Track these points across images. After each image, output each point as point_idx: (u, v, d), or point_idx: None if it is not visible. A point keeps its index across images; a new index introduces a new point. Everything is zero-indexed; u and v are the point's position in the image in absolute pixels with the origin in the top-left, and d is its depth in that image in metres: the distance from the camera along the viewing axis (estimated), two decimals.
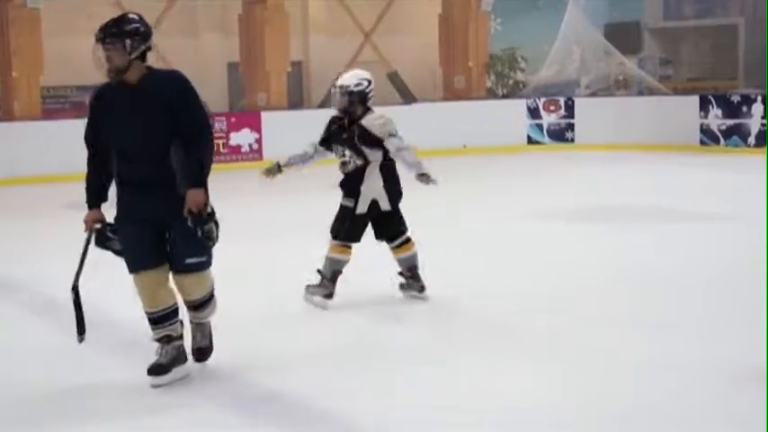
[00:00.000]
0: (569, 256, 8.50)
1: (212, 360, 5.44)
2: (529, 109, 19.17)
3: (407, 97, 20.78)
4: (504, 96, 20.73)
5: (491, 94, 20.88)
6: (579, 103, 19.09)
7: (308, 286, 6.85)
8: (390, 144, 6.67)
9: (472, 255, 8.64)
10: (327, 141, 6.85)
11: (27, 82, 16.66)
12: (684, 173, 14.83)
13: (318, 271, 6.81)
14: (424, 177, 6.69)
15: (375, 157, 6.71)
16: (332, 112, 6.91)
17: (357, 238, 6.79)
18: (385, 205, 6.74)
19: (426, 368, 5.39)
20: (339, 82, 6.68)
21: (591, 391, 4.94)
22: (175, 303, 5.17)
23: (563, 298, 6.94)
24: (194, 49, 20.30)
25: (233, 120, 17.52)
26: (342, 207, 6.79)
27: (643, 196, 12.21)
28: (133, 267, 5.08)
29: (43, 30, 16.75)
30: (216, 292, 5.32)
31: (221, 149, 17.09)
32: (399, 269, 6.96)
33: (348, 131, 6.69)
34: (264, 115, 17.55)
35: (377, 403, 4.86)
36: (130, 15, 5.05)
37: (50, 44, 16.88)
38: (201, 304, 5.25)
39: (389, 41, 21.38)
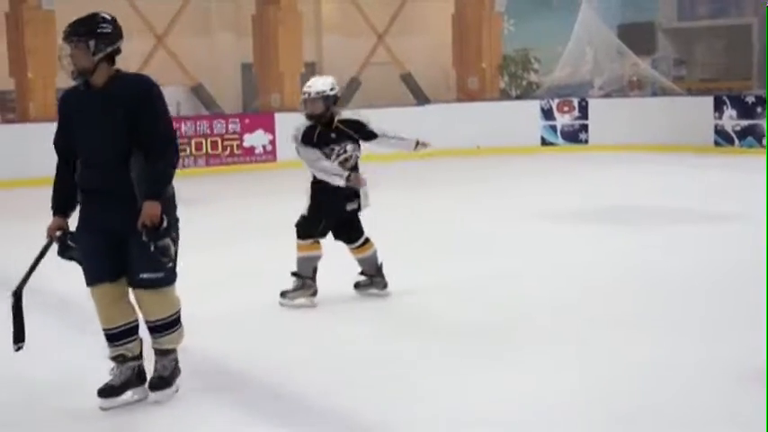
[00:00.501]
0: (577, 258, 8.51)
1: (213, 360, 5.43)
2: (542, 110, 19.16)
3: (421, 98, 20.81)
4: (518, 97, 20.70)
5: (504, 95, 20.86)
6: (593, 104, 19.07)
7: (285, 292, 6.86)
8: (378, 129, 6.94)
9: (478, 257, 8.65)
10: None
11: (42, 83, 16.74)
12: (698, 174, 14.81)
13: (296, 274, 6.86)
14: (420, 145, 7.10)
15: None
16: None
17: (326, 235, 6.92)
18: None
19: (429, 369, 5.41)
20: (313, 89, 6.77)
21: (596, 391, 4.95)
22: (134, 321, 4.87)
23: (569, 299, 6.95)
24: (208, 50, 20.39)
25: (246, 121, 17.55)
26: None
27: (655, 197, 12.20)
28: (89, 280, 4.81)
29: (58, 31, 16.75)
30: (182, 318, 4.97)
31: (235, 151, 17.16)
32: (361, 269, 7.06)
33: (334, 130, 6.81)
34: (278, 116, 17.56)
35: (378, 403, 4.87)
36: (101, 15, 4.78)
37: None
38: (160, 327, 4.87)
39: (402, 42, 21.41)
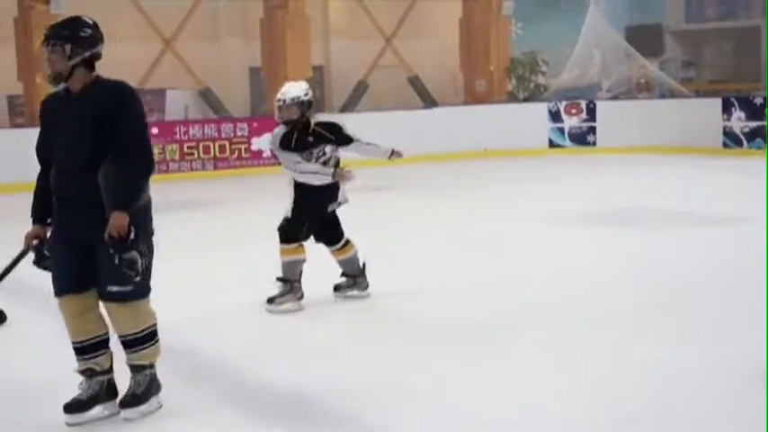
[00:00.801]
0: (583, 260, 8.51)
1: (211, 361, 5.42)
2: (550, 112, 19.17)
3: (428, 101, 20.84)
4: (526, 100, 20.73)
5: (512, 98, 20.88)
6: (601, 107, 19.07)
7: (273, 298, 6.86)
8: (353, 135, 6.99)
9: (485, 258, 8.67)
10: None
11: (50, 88, 16.76)
12: (706, 176, 14.80)
13: (282, 279, 6.88)
14: (395, 153, 7.15)
15: None
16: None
17: (309, 237, 6.96)
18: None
19: (430, 370, 5.42)
20: (288, 95, 6.83)
21: (599, 392, 4.96)
22: (104, 334, 4.69)
23: (573, 300, 6.96)
24: (216, 54, 20.44)
25: (254, 125, 17.57)
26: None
27: (662, 199, 12.19)
28: (56, 290, 4.63)
29: None
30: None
31: (243, 154, 17.21)
32: (343, 270, 7.10)
33: (312, 134, 6.88)
34: None
35: (378, 404, 4.88)
36: (83, 19, 4.63)
37: None
38: (131, 342, 4.65)
39: (410, 45, 21.44)
